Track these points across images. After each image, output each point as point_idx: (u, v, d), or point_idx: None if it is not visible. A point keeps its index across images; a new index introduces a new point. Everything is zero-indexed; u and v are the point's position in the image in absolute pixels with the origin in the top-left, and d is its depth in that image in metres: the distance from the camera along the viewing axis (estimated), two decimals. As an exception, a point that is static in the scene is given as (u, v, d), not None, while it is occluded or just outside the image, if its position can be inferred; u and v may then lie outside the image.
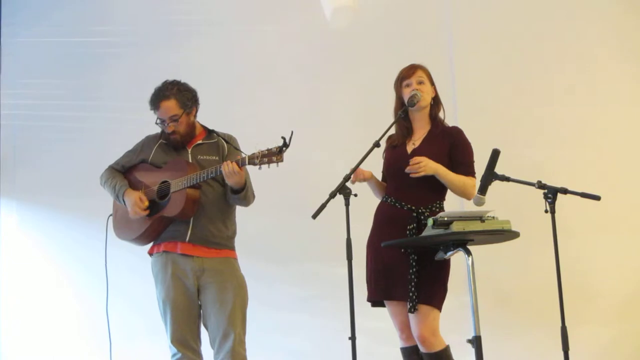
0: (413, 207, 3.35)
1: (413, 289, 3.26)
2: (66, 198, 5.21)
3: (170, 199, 3.45)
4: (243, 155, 3.32)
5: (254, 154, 3.24)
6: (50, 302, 5.18)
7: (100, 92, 5.42)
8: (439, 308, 3.32)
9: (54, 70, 5.48)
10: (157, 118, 3.52)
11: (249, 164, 3.26)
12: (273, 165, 3.19)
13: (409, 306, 3.26)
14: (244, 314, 3.47)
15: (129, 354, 4.04)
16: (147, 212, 3.48)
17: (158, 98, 3.49)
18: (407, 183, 3.35)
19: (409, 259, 3.30)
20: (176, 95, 3.49)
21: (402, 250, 3.32)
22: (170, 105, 3.47)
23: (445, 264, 3.35)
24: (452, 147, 3.41)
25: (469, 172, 3.41)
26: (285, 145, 3.17)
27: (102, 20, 5.50)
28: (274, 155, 3.18)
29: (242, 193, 3.42)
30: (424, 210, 3.34)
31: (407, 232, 3.32)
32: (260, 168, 3.23)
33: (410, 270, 3.28)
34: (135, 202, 3.49)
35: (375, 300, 3.42)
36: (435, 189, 3.39)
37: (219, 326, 3.40)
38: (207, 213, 3.47)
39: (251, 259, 3.77)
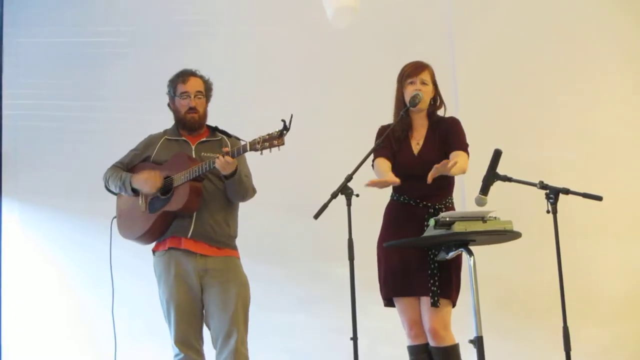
0: (429, 204, 3.39)
1: (437, 283, 3.29)
2: (69, 199, 5.19)
3: (174, 193, 3.45)
4: (244, 142, 3.35)
5: (255, 139, 3.28)
6: (53, 304, 5.15)
7: (103, 92, 5.40)
8: (455, 302, 3.37)
9: (56, 70, 5.47)
10: (181, 93, 3.58)
11: (251, 149, 3.29)
12: (275, 149, 3.22)
13: (431, 301, 3.28)
14: (246, 314, 3.48)
15: (132, 356, 4.03)
16: (162, 182, 3.47)
17: (186, 73, 3.64)
18: (418, 182, 3.38)
19: (427, 254, 3.33)
20: (202, 77, 3.67)
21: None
22: (199, 81, 3.63)
23: (459, 259, 3.38)
24: (446, 133, 3.45)
25: (464, 149, 3.42)
26: (286, 128, 3.21)
27: (105, 21, 5.50)
28: (275, 139, 3.22)
29: (235, 177, 3.40)
30: (440, 206, 3.39)
31: (426, 228, 3.32)
32: (261, 153, 3.26)
33: (432, 265, 3.31)
34: (148, 177, 3.49)
35: (393, 297, 3.42)
36: (444, 185, 3.44)
37: (221, 326, 3.41)
38: (209, 208, 3.48)
39: (252, 260, 3.76)
